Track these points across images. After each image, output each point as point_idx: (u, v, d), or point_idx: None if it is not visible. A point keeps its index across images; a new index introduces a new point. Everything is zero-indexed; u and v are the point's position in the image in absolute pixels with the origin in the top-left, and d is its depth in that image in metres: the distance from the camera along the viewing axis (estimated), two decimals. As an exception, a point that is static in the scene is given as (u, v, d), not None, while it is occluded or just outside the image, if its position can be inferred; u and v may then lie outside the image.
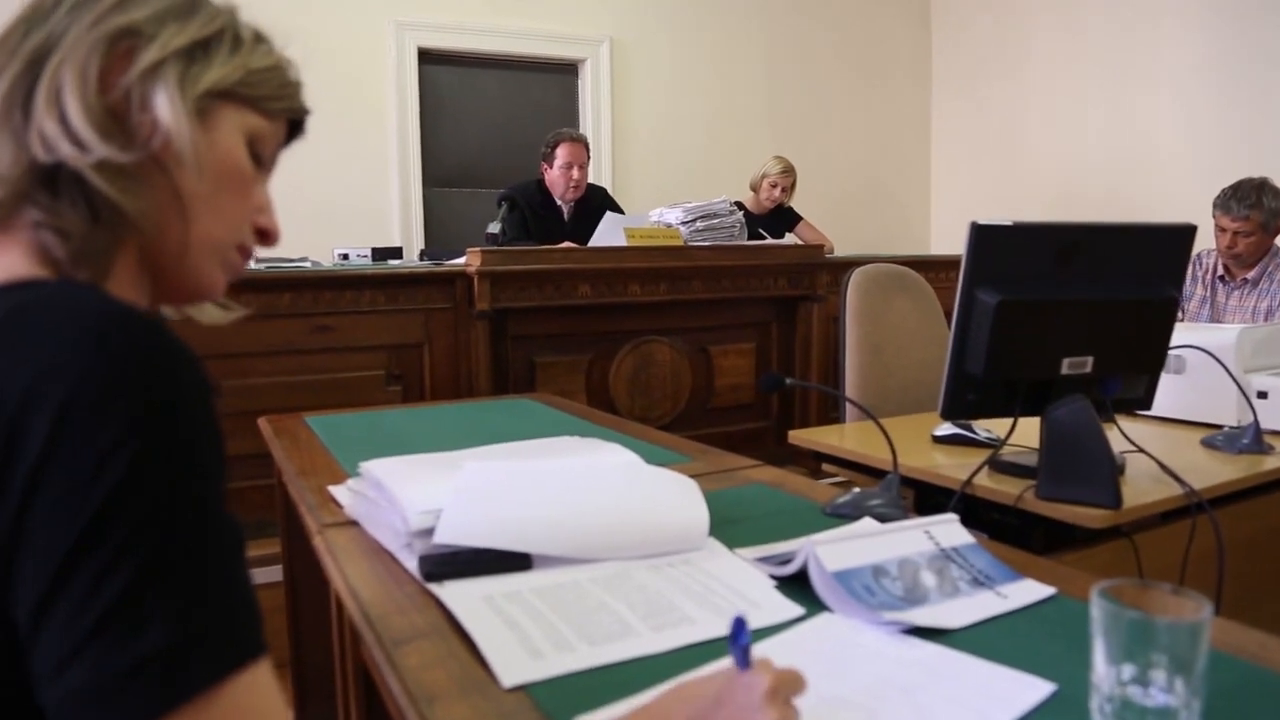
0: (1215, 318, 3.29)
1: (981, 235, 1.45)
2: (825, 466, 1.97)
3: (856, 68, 6.12)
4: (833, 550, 1.00)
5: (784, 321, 3.67)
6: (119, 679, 0.51)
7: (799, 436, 1.96)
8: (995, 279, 1.46)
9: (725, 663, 0.69)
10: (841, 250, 4.65)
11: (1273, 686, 0.81)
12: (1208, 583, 1.54)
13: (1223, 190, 3.18)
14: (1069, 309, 1.48)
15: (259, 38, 0.75)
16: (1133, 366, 1.60)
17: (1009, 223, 1.45)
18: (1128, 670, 0.69)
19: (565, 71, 5.43)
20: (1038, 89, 5.67)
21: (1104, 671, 0.70)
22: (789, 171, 4.63)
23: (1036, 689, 0.79)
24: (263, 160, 0.77)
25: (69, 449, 0.52)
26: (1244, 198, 3.10)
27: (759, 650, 0.89)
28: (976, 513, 1.58)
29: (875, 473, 1.78)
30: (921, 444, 1.86)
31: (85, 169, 0.63)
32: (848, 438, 2.00)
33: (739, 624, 0.68)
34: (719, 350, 3.55)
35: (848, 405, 2.39)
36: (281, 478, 1.88)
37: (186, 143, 0.66)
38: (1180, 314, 3.35)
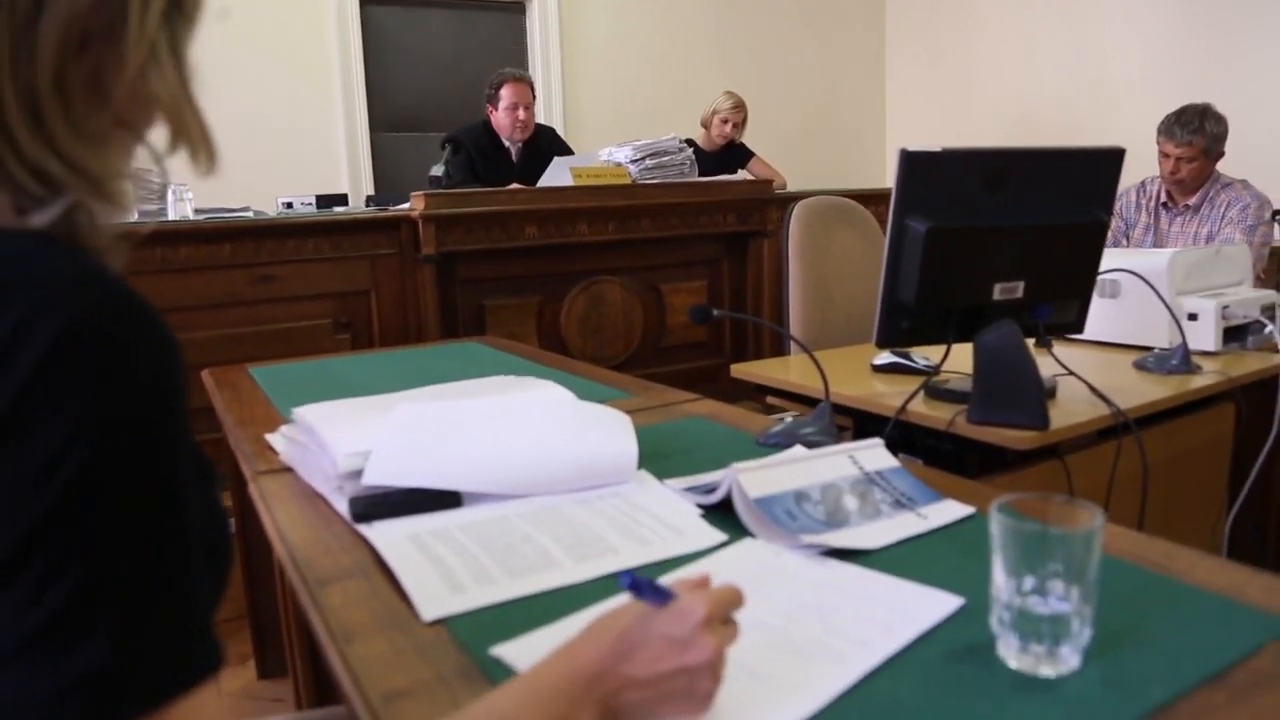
0: (1158, 244, 3.33)
1: (911, 162, 1.45)
2: (770, 400, 1.99)
3: (809, 2, 6.05)
4: (755, 477, 1.01)
5: (735, 258, 3.67)
6: (49, 699, 0.48)
7: (741, 370, 1.97)
8: (925, 207, 1.46)
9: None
10: (795, 186, 4.64)
11: (1170, 592, 0.83)
12: (1135, 500, 1.58)
13: (1166, 116, 3.20)
14: (999, 235, 1.49)
15: None
16: (1064, 291, 1.61)
17: (938, 149, 1.45)
18: (1028, 581, 0.71)
19: (512, 10, 5.33)
20: (993, 19, 5.65)
21: (1003, 583, 0.71)
22: (740, 107, 4.59)
23: (945, 603, 0.81)
24: None
25: (23, 434, 0.49)
26: (1187, 123, 3.12)
27: (683, 575, 0.90)
28: (913, 439, 1.60)
29: (816, 404, 1.79)
30: (861, 373, 1.87)
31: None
32: (791, 370, 2.02)
33: (629, 582, 0.65)
34: (670, 288, 3.54)
35: (801, 334, 2.40)
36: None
37: (190, 119, 0.63)
38: (1125, 241, 3.42)
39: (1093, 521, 0.70)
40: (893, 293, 1.51)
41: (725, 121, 4.58)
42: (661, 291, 3.53)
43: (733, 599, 0.66)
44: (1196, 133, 3.10)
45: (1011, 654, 0.71)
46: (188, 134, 0.63)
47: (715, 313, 1.32)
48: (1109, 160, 1.58)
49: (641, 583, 0.65)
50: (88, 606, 0.49)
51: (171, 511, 0.54)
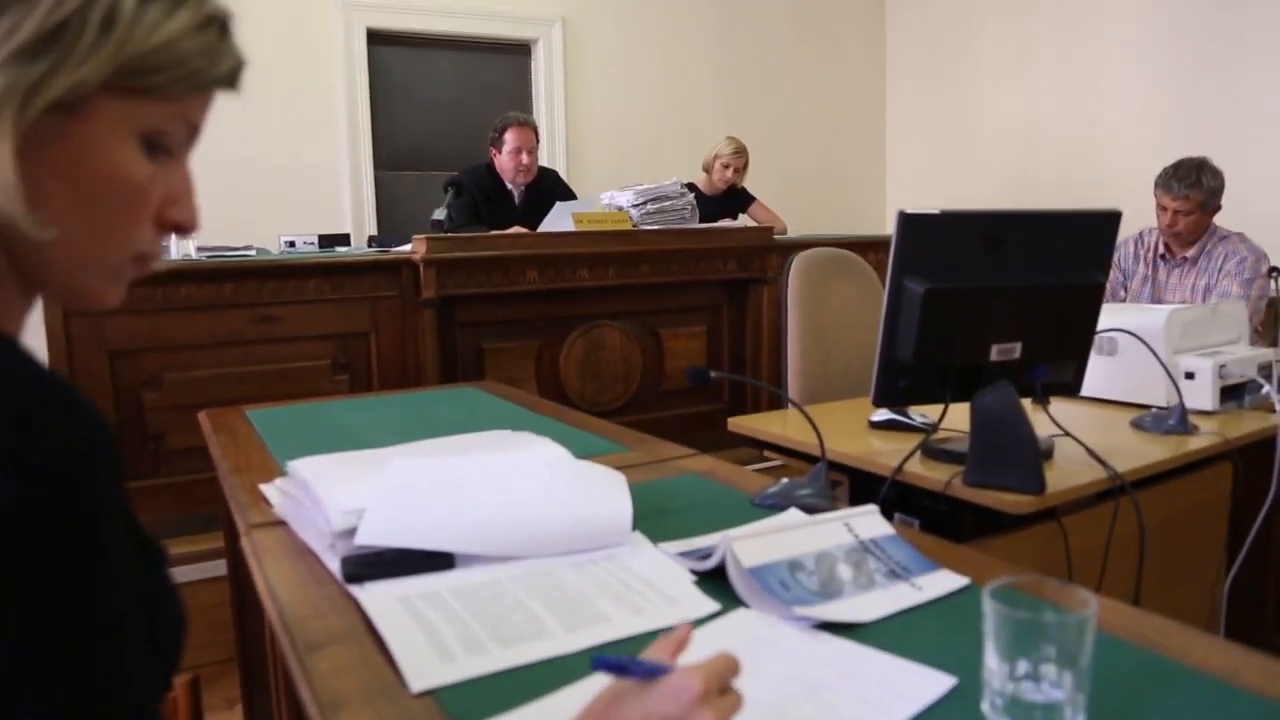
0: (1156, 295, 3.34)
1: (909, 224, 1.46)
2: (766, 453, 1.98)
3: (810, 46, 6.12)
4: (749, 545, 1.01)
5: (735, 304, 3.68)
6: None
7: (739, 424, 1.97)
8: (924, 267, 1.47)
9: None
10: (796, 231, 4.67)
11: (1166, 673, 0.83)
12: (1133, 561, 1.57)
13: (1164, 169, 3.23)
14: (997, 296, 1.50)
15: None
16: (1061, 352, 1.62)
17: (937, 211, 1.46)
18: (1021, 666, 0.70)
19: (517, 52, 5.38)
20: (991, 68, 5.71)
21: (995, 668, 0.71)
22: (741, 152, 4.63)
23: (937, 683, 0.80)
24: (171, 147, 0.62)
25: None
26: (1184, 177, 3.14)
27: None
28: (909, 499, 1.59)
29: (814, 459, 1.79)
30: (858, 429, 1.87)
31: None
32: (789, 425, 2.01)
33: (606, 666, 0.64)
34: (670, 333, 3.55)
35: (800, 386, 2.40)
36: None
37: (10, 187, 0.53)
38: (1124, 292, 3.43)
39: (1086, 608, 0.69)
40: (890, 352, 1.52)
41: (727, 166, 4.61)
42: (661, 337, 3.54)
43: (729, 668, 0.63)
44: (1193, 186, 3.12)
45: (1004, 741, 0.71)
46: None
47: (712, 374, 1.32)
48: (1105, 223, 1.59)
49: (616, 664, 0.64)
50: (18, 682, 0.48)
51: (96, 593, 0.52)
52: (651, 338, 3.52)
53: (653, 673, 0.63)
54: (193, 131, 0.64)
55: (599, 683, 0.82)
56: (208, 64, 0.60)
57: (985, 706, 0.72)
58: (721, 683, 0.62)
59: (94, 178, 0.58)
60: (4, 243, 0.57)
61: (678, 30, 5.64)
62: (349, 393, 2.92)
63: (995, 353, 1.52)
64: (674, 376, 3.56)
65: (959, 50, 5.90)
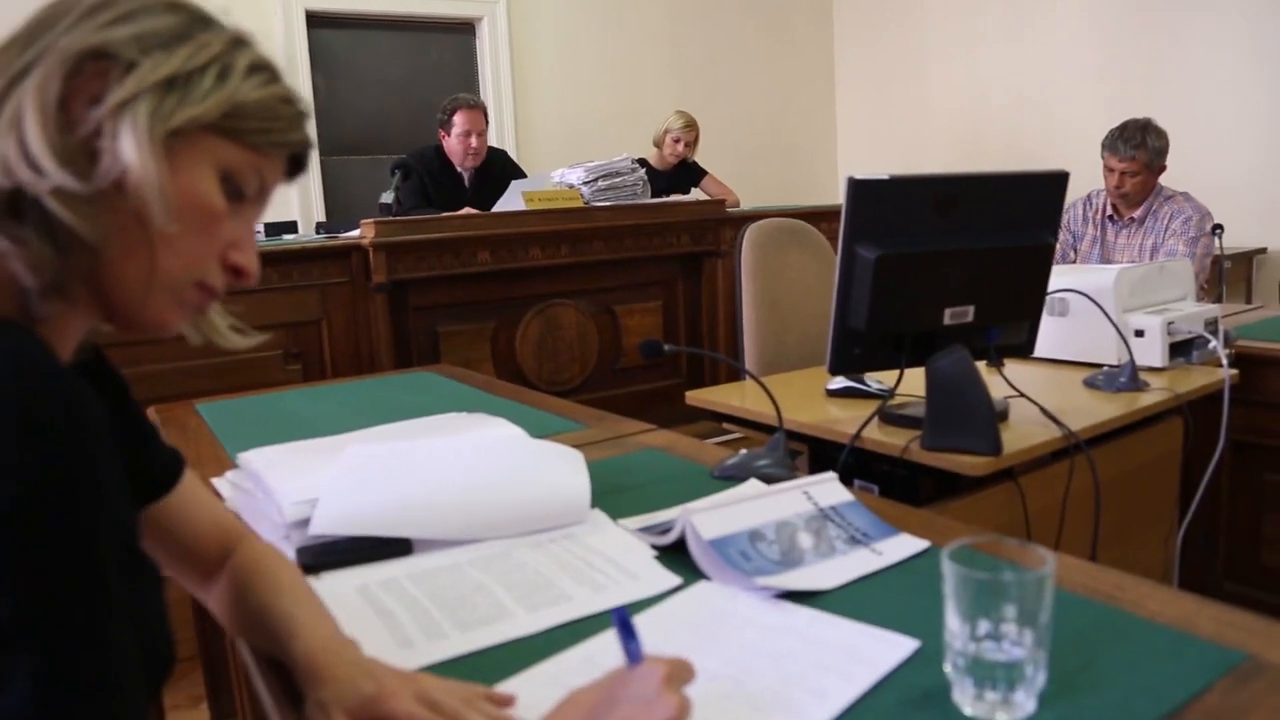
0: (1105, 256, 3.39)
1: (859, 190, 1.45)
2: (726, 425, 1.98)
3: (759, 18, 6.11)
4: (709, 518, 1.00)
5: (689, 278, 3.67)
6: None
7: (696, 397, 1.96)
8: (875, 233, 1.47)
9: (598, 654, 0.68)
10: (749, 203, 4.66)
11: (1121, 626, 0.83)
12: (1089, 518, 1.59)
13: (1110, 131, 3.26)
14: (948, 260, 1.50)
15: (255, 67, 0.70)
16: (1013, 313, 1.63)
17: (885, 176, 1.46)
18: (982, 626, 0.70)
19: (462, 31, 5.31)
20: (939, 34, 5.73)
21: (957, 629, 0.71)
22: (691, 126, 4.61)
23: (901, 647, 0.80)
24: (244, 193, 0.72)
25: None
26: (1130, 138, 3.18)
27: (639, 623, 0.89)
28: (868, 465, 1.60)
29: (773, 430, 1.79)
30: (816, 398, 1.88)
31: (42, 194, 0.61)
32: (747, 396, 2.01)
33: (622, 621, 0.67)
34: (625, 310, 3.53)
35: (757, 358, 2.40)
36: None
37: (152, 183, 0.64)
38: (1073, 254, 3.48)
39: (1044, 566, 0.70)
40: (844, 320, 1.51)
41: (677, 140, 4.59)
42: (616, 313, 3.52)
43: (686, 671, 0.66)
44: (1139, 148, 3.16)
45: (967, 700, 0.71)
46: (144, 197, 0.66)
47: (666, 348, 1.31)
48: (1053, 183, 1.59)
49: (627, 623, 0.67)
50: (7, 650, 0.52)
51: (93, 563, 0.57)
52: (607, 315, 3.50)
53: (636, 650, 0.67)
54: (263, 190, 0.74)
55: (564, 662, 0.82)
56: (286, 128, 0.73)
57: (948, 668, 0.72)
58: (680, 681, 0.65)
59: (184, 202, 0.67)
60: (94, 263, 0.65)
61: (625, 5, 5.60)
62: (302, 382, 2.87)
63: (948, 316, 1.53)
64: (630, 353, 3.55)
65: (907, 18, 5.92)
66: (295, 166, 0.77)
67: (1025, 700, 0.70)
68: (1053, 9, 5.10)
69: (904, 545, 1.03)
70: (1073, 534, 1.63)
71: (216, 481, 1.39)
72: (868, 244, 1.46)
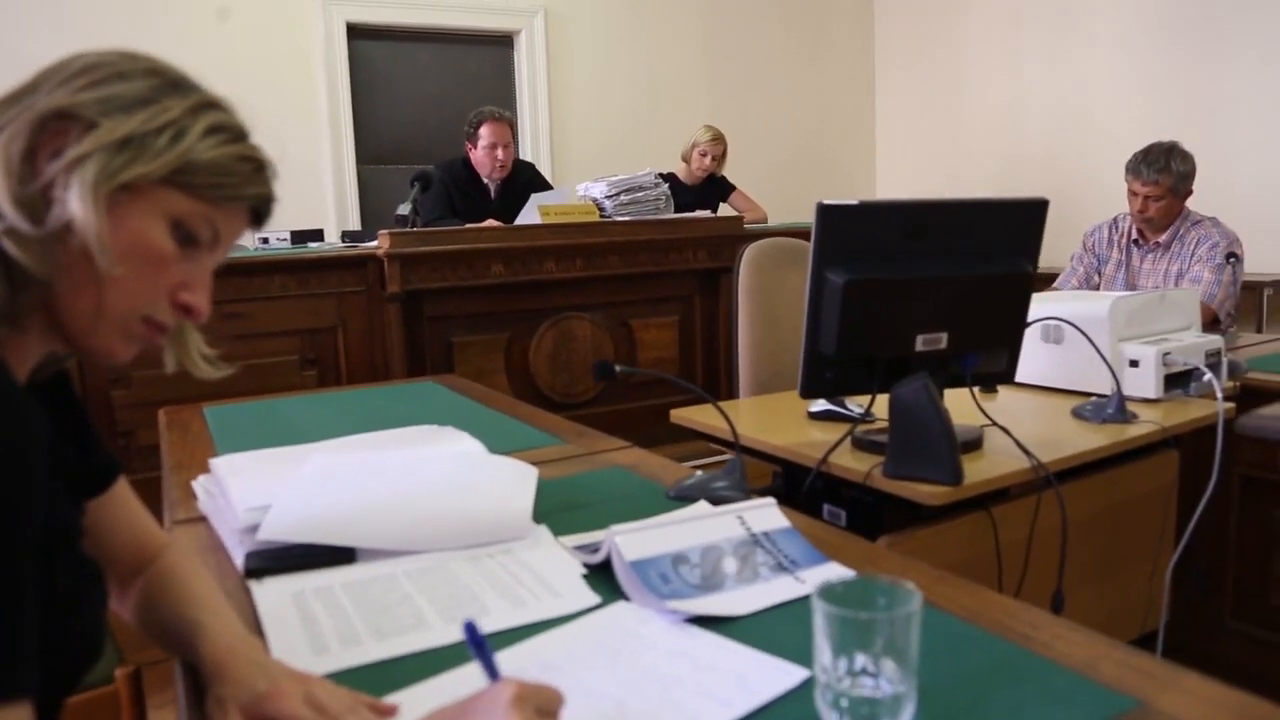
0: (1130, 281, 3.33)
1: (828, 215, 1.46)
2: (713, 445, 1.99)
3: (797, 32, 6.10)
4: (633, 539, 1.01)
5: (706, 294, 3.68)
6: None
7: (679, 416, 1.97)
8: (844, 259, 1.47)
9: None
10: (782, 219, 4.65)
11: (1022, 666, 0.83)
12: (1067, 550, 1.57)
13: (1134, 154, 3.21)
14: (919, 287, 1.50)
15: (215, 129, 0.77)
16: (990, 341, 1.62)
17: (855, 202, 1.47)
18: (856, 660, 0.71)
19: (500, 43, 5.38)
20: (981, 51, 5.68)
21: (828, 663, 0.72)
22: (719, 140, 4.62)
23: (791, 676, 0.81)
24: (198, 240, 0.78)
25: None
26: (1153, 162, 3.13)
27: (546, 639, 0.91)
28: (838, 490, 1.60)
29: (752, 452, 1.79)
30: (798, 420, 1.88)
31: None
32: (737, 415, 2.01)
33: (473, 637, 0.70)
34: (640, 324, 3.55)
35: (751, 377, 2.41)
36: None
37: (92, 232, 0.70)
38: (1098, 278, 3.42)
39: (910, 604, 0.70)
40: (814, 344, 1.52)
41: (704, 155, 4.61)
42: (632, 327, 3.54)
43: (550, 698, 0.68)
44: (1163, 171, 3.11)
45: (835, 733, 0.72)
46: (87, 243, 0.74)
47: (618, 369, 1.33)
48: (1034, 211, 1.58)
49: (477, 638, 0.70)
50: None
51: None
52: (623, 329, 3.52)
53: (492, 670, 0.69)
54: (217, 240, 0.80)
55: (461, 675, 0.84)
56: (241, 184, 0.79)
57: (818, 701, 0.73)
58: (539, 702, 0.66)
59: (127, 240, 0.74)
60: (47, 295, 0.73)
61: (662, 18, 5.63)
62: (317, 388, 2.94)
63: (921, 343, 1.53)
64: (645, 367, 3.56)
65: (948, 36, 5.87)
66: (257, 218, 0.84)
67: (892, 736, 0.71)
68: (1093, 29, 5.03)
69: (829, 574, 1.03)
70: (1050, 568, 1.61)
71: (195, 484, 1.44)
72: (837, 269, 1.46)
